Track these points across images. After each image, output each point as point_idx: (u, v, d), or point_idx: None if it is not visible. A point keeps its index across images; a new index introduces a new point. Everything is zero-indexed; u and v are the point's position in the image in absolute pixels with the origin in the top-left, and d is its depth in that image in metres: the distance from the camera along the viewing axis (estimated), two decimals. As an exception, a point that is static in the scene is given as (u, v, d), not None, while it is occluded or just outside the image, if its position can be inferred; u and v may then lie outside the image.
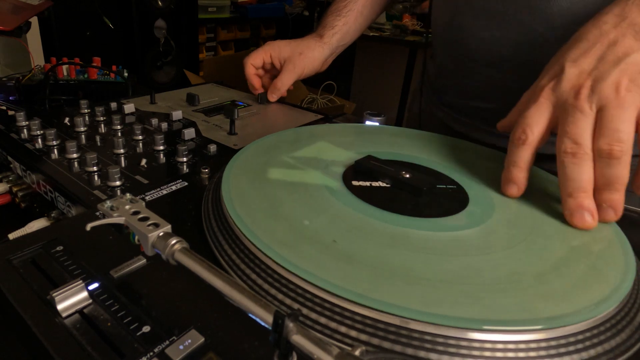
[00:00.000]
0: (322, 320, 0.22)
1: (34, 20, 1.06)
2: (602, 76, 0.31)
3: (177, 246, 0.22)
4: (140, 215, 0.24)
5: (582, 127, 0.31)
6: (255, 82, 0.67)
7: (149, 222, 0.24)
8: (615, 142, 0.30)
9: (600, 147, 0.30)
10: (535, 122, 0.33)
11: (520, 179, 0.34)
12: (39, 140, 0.46)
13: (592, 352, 0.22)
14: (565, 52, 0.34)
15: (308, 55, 0.66)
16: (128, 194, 0.26)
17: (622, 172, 0.30)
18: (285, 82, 0.65)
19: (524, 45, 0.49)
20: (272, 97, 0.65)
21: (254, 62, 0.66)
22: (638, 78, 0.30)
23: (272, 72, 0.69)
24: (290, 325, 0.17)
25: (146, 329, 0.22)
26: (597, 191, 0.31)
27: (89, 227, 0.24)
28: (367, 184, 0.36)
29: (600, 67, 0.32)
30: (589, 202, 0.30)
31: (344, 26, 0.69)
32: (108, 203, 0.25)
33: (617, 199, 0.31)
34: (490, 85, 0.54)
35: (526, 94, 0.37)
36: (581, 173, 0.30)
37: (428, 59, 0.69)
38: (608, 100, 0.30)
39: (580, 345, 0.22)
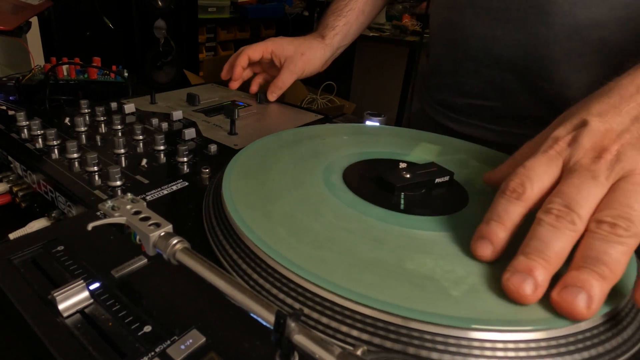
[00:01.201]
0: (324, 320, 0.22)
1: (34, 20, 1.06)
2: (635, 142, 0.25)
3: (178, 246, 0.22)
4: (142, 215, 0.24)
5: (585, 195, 0.24)
6: (238, 73, 0.65)
7: (150, 222, 0.24)
8: (623, 219, 0.23)
9: (601, 219, 0.23)
10: (538, 177, 0.26)
11: (499, 239, 0.26)
12: (40, 140, 0.46)
13: (593, 352, 0.22)
14: (589, 103, 0.28)
15: (310, 56, 0.66)
16: (129, 194, 0.26)
17: (619, 256, 0.22)
18: (285, 82, 0.64)
19: (525, 45, 0.48)
20: (272, 96, 0.65)
21: (252, 55, 0.65)
22: None
23: (269, 69, 0.69)
24: (292, 325, 0.17)
25: (147, 328, 0.22)
26: (574, 268, 0.23)
27: (90, 226, 0.24)
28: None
29: (634, 130, 0.25)
30: (542, 273, 0.23)
31: (344, 26, 0.68)
32: (109, 203, 0.25)
33: (598, 286, 0.22)
34: (488, 84, 0.54)
35: (530, 143, 0.31)
36: (554, 238, 0.23)
37: (424, 57, 0.69)
38: (633, 174, 0.24)
39: (580, 345, 0.22)
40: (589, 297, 0.22)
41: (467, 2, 0.52)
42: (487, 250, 0.26)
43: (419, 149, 0.44)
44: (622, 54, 0.39)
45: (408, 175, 0.35)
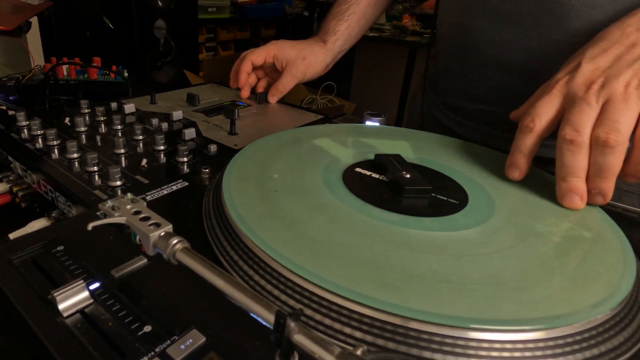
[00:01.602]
0: (318, 317, 0.22)
1: (34, 20, 1.06)
2: (614, 74, 0.33)
3: (178, 246, 0.22)
4: (142, 215, 0.24)
5: (585, 117, 0.32)
6: (243, 80, 0.65)
7: (150, 222, 0.24)
8: (612, 131, 0.31)
9: (597, 135, 0.32)
10: (544, 112, 0.35)
11: (522, 164, 0.36)
12: (40, 140, 0.46)
13: (595, 351, 0.22)
14: (585, 50, 0.36)
15: (311, 60, 0.65)
16: (129, 194, 0.26)
17: (615, 161, 0.32)
18: (286, 85, 0.64)
19: (536, 50, 0.48)
20: (273, 98, 0.65)
21: (255, 60, 0.65)
22: None
23: (271, 73, 0.68)
24: (291, 324, 0.17)
25: (147, 328, 0.22)
26: (589, 178, 0.33)
27: (90, 226, 0.24)
28: (367, 180, 0.36)
29: (615, 66, 0.33)
30: (579, 185, 0.33)
31: (346, 30, 0.68)
32: (109, 203, 0.25)
33: (607, 186, 0.33)
34: (497, 88, 0.53)
35: (541, 87, 0.38)
36: (576, 161, 0.33)
37: (430, 60, 0.68)
38: (615, 95, 0.32)
39: (577, 346, 0.22)
40: (604, 195, 0.33)
41: (477, 6, 0.51)
42: (515, 173, 0.37)
43: (419, 148, 0.44)
44: None
45: (408, 175, 0.35)
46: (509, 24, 0.49)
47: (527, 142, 0.36)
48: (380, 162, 0.38)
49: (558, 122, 0.35)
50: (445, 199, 0.34)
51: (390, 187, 0.35)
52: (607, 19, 0.43)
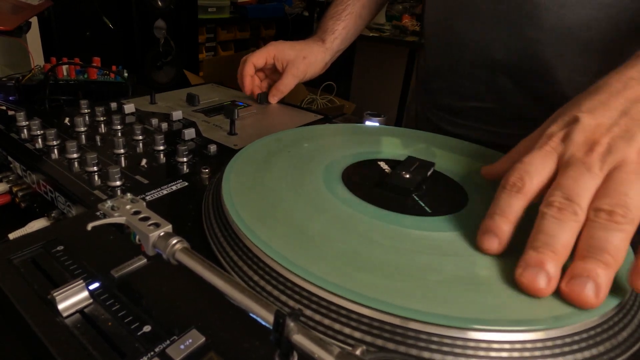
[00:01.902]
0: (317, 317, 0.22)
1: (34, 20, 1.06)
2: (624, 135, 0.26)
3: (178, 246, 0.22)
4: (141, 215, 0.24)
5: (583, 186, 0.25)
6: (248, 83, 0.66)
7: (150, 222, 0.24)
8: (620, 206, 0.24)
9: (599, 206, 0.25)
10: (537, 171, 0.28)
11: (504, 232, 0.27)
12: (39, 140, 0.46)
13: (594, 351, 0.22)
14: (580, 101, 0.30)
15: (311, 60, 0.66)
16: (129, 194, 0.26)
17: (619, 243, 0.24)
18: (287, 85, 0.65)
19: (518, 48, 0.49)
20: (274, 99, 0.65)
21: (257, 62, 0.65)
22: None
23: (271, 73, 0.69)
24: (291, 324, 0.17)
25: (147, 328, 0.22)
26: (578, 258, 0.24)
27: (90, 226, 0.24)
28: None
29: (622, 124, 0.27)
30: (552, 265, 0.24)
31: (343, 30, 0.69)
32: (109, 203, 0.25)
33: (603, 274, 0.23)
34: (484, 86, 0.55)
35: (525, 141, 0.32)
36: (560, 230, 0.25)
37: (421, 61, 0.69)
38: (625, 162, 0.25)
39: (576, 347, 0.22)
40: (597, 286, 0.23)
41: (459, 7, 0.53)
42: (493, 244, 0.27)
43: (418, 148, 0.44)
44: (610, 51, 0.39)
45: (408, 176, 0.35)
46: (490, 23, 0.50)
47: (513, 204, 0.27)
48: (403, 163, 0.37)
49: (547, 188, 0.27)
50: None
51: (391, 188, 0.35)
52: (576, 17, 0.45)
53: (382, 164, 0.39)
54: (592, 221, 0.24)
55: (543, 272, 0.23)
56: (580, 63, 0.47)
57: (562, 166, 0.27)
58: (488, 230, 0.27)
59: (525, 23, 0.47)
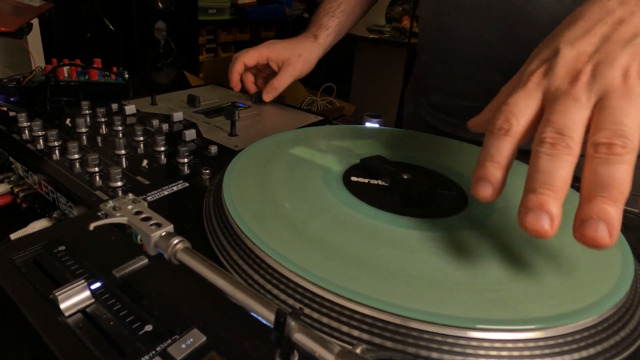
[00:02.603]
0: (315, 315, 0.23)
1: (35, 22, 1.06)
2: (606, 59, 0.25)
3: (179, 246, 0.23)
4: (143, 215, 0.24)
5: (572, 118, 0.24)
6: (236, 79, 0.66)
7: (152, 222, 0.24)
8: (617, 136, 0.23)
9: (597, 140, 0.23)
10: (522, 111, 0.27)
11: (496, 178, 0.26)
12: (41, 141, 0.46)
13: (591, 350, 0.22)
14: (560, 32, 0.28)
15: (306, 57, 0.67)
16: (130, 194, 0.27)
17: (624, 175, 0.22)
18: (283, 83, 0.65)
19: (509, 45, 0.49)
20: (268, 96, 0.65)
21: (248, 62, 0.66)
22: None
23: (265, 72, 0.69)
24: (292, 323, 0.17)
25: (148, 328, 0.22)
26: (586, 199, 0.23)
27: (92, 226, 0.24)
28: (366, 181, 0.36)
29: (605, 49, 0.26)
30: (553, 204, 0.23)
31: (337, 27, 0.70)
32: (111, 203, 0.26)
33: (614, 211, 0.22)
34: (477, 84, 0.54)
35: (508, 84, 0.31)
36: (556, 166, 0.24)
37: (416, 61, 0.70)
38: (612, 87, 0.24)
39: (578, 345, 0.22)
40: (609, 224, 0.22)
41: (452, 4, 0.53)
42: (487, 191, 0.26)
43: (416, 149, 0.45)
44: None
45: (406, 177, 0.35)
46: (482, 20, 0.50)
47: (502, 149, 0.26)
48: (368, 166, 0.38)
49: (536, 125, 0.27)
50: (447, 195, 0.35)
51: (392, 189, 0.35)
52: (572, 11, 0.44)
53: (383, 165, 0.39)
54: (592, 157, 0.23)
55: (545, 214, 0.23)
56: None
57: (549, 101, 0.26)
58: (480, 178, 0.26)
59: (519, 19, 0.47)
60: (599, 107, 0.24)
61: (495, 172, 0.26)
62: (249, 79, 0.68)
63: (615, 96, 0.24)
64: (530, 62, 0.29)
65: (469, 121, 0.35)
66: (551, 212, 0.23)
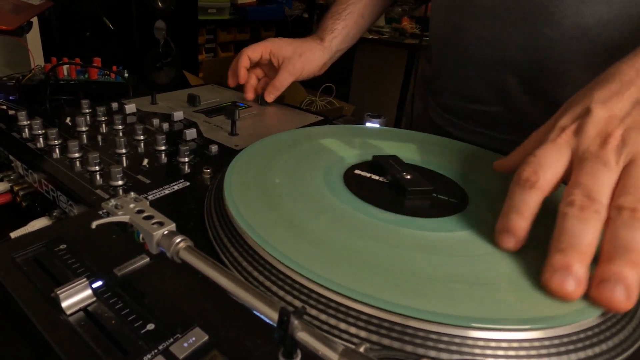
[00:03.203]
0: (315, 313, 0.23)
1: (34, 20, 1.06)
2: (637, 125, 0.26)
3: (182, 244, 0.23)
4: (145, 214, 0.24)
5: (602, 182, 0.25)
6: (242, 74, 0.65)
7: (154, 221, 0.24)
8: None
9: (621, 205, 0.24)
10: (550, 165, 0.27)
11: (520, 230, 0.26)
12: (41, 139, 0.46)
13: (589, 352, 0.22)
14: (591, 91, 0.29)
15: (308, 57, 0.65)
16: (132, 193, 0.27)
17: None
18: (284, 82, 0.64)
19: (528, 47, 0.47)
20: (270, 97, 0.64)
21: (252, 55, 0.65)
22: None
23: (268, 70, 0.68)
24: (295, 322, 0.17)
25: (150, 326, 0.22)
26: (605, 261, 0.23)
27: (94, 225, 0.24)
28: (368, 175, 0.36)
29: (635, 114, 0.26)
30: (580, 267, 0.23)
31: (343, 30, 0.68)
32: (112, 202, 0.25)
33: (632, 275, 0.22)
34: (490, 87, 0.53)
35: (537, 133, 0.32)
36: (584, 230, 0.24)
37: (425, 62, 0.69)
38: None
39: (579, 345, 0.22)
40: (627, 287, 0.22)
41: (467, 3, 0.51)
42: (510, 242, 0.27)
43: (418, 150, 0.45)
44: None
45: (409, 176, 0.35)
46: (498, 20, 0.48)
47: (528, 201, 0.26)
48: (378, 163, 0.38)
49: (562, 181, 0.27)
50: (446, 198, 0.35)
51: (392, 188, 0.35)
52: (596, 15, 0.42)
53: (383, 166, 0.39)
54: (615, 220, 0.24)
55: (571, 275, 0.23)
56: (597, 65, 0.44)
57: (577, 161, 0.26)
58: (504, 229, 0.27)
59: (539, 20, 0.45)
60: (626, 172, 0.25)
61: (519, 223, 0.27)
62: (252, 81, 0.67)
63: None
64: (561, 116, 0.29)
65: (495, 162, 0.35)
66: (577, 274, 0.23)
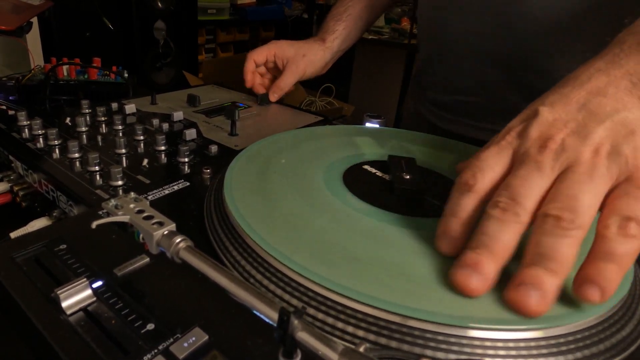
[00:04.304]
0: (312, 312, 0.23)
1: (34, 21, 1.06)
2: (580, 131, 0.25)
3: (182, 244, 0.23)
4: (145, 214, 0.24)
5: (531, 187, 0.24)
6: (250, 78, 0.68)
7: (154, 221, 0.24)
8: (567, 211, 0.23)
9: (547, 212, 0.23)
10: (489, 167, 0.26)
11: (456, 233, 0.26)
12: (41, 139, 0.46)
13: (586, 352, 0.22)
14: (547, 94, 0.28)
15: (311, 58, 0.68)
16: (132, 193, 0.27)
17: (567, 249, 0.22)
18: (287, 83, 0.66)
19: (506, 39, 0.49)
20: (274, 96, 0.66)
21: (257, 59, 0.68)
22: (622, 145, 0.24)
23: (273, 71, 0.70)
24: (295, 322, 0.17)
25: (150, 326, 0.22)
26: (526, 265, 0.23)
27: (94, 225, 0.24)
28: (372, 170, 0.36)
29: (580, 119, 0.25)
30: (489, 266, 0.23)
31: (344, 30, 0.70)
32: (113, 202, 0.26)
33: (548, 281, 0.22)
34: (473, 79, 0.55)
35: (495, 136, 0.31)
36: (500, 232, 0.24)
37: (416, 58, 0.71)
38: (578, 162, 0.24)
39: (573, 346, 0.22)
40: (542, 293, 0.22)
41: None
42: (445, 245, 0.26)
43: (416, 149, 0.45)
44: (602, 42, 0.38)
45: (408, 177, 0.36)
46: (477, 14, 0.50)
47: (464, 205, 0.26)
48: (390, 163, 0.38)
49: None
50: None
51: (390, 188, 0.36)
52: (566, 6, 0.44)
53: (383, 166, 0.39)
54: (539, 227, 0.23)
55: (476, 273, 0.23)
56: (571, 53, 0.46)
57: (515, 163, 0.26)
58: (441, 232, 0.27)
59: (513, 13, 0.47)
60: (560, 179, 0.24)
61: (455, 227, 0.26)
62: (257, 80, 0.69)
63: (579, 171, 0.24)
64: (514, 119, 0.28)
65: (457, 166, 0.34)
66: (484, 272, 0.23)
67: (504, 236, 0.23)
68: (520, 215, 0.24)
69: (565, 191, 0.23)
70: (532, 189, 0.24)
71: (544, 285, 0.22)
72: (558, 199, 0.23)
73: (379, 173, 0.38)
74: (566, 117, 0.25)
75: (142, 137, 0.48)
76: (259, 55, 0.67)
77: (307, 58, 0.67)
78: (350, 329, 0.22)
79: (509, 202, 0.24)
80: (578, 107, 0.26)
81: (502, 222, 0.24)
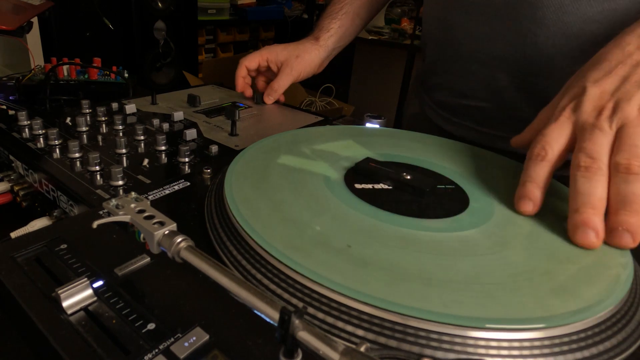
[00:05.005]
0: (315, 313, 0.23)
1: (34, 21, 1.06)
2: (625, 96, 0.31)
3: (182, 244, 0.23)
4: (146, 214, 0.24)
5: (599, 144, 0.30)
6: (240, 83, 0.68)
7: (155, 221, 0.24)
8: (634, 157, 0.29)
9: (617, 162, 0.29)
10: (555, 140, 0.33)
11: (536, 196, 0.32)
12: (41, 139, 0.46)
13: (585, 353, 0.22)
14: (586, 73, 0.34)
15: (305, 58, 0.67)
16: (133, 193, 0.27)
17: None
18: (282, 85, 0.66)
19: (515, 43, 0.48)
20: (269, 99, 0.66)
21: (249, 65, 0.68)
22: None
23: (268, 75, 0.70)
24: (296, 321, 0.17)
25: (151, 326, 0.22)
26: (612, 213, 0.29)
27: (95, 224, 0.24)
28: (369, 186, 0.36)
29: (623, 88, 0.31)
30: (595, 219, 0.28)
31: (339, 29, 0.70)
32: (113, 201, 0.26)
33: (635, 221, 0.28)
34: (481, 83, 0.54)
35: (543, 112, 0.37)
36: (592, 187, 0.29)
37: (420, 60, 0.70)
38: (629, 119, 0.30)
39: (574, 346, 0.22)
40: (632, 233, 0.28)
41: (455, 0, 0.52)
42: (528, 206, 0.32)
43: (417, 150, 0.45)
44: None
45: (409, 177, 0.36)
46: (486, 17, 0.50)
47: (540, 172, 0.32)
48: (364, 169, 0.38)
49: (570, 152, 0.33)
50: (445, 187, 0.35)
51: (396, 189, 0.36)
52: (578, 11, 0.44)
53: (383, 165, 0.39)
54: (614, 177, 0.29)
55: (590, 230, 0.28)
56: (581, 60, 0.47)
57: (579, 132, 0.32)
58: (522, 196, 0.32)
59: (525, 16, 0.47)
60: (619, 134, 0.30)
61: (535, 191, 0.32)
62: (247, 81, 0.69)
63: (632, 125, 0.30)
64: (561, 98, 0.35)
65: (512, 139, 0.40)
66: (595, 226, 0.28)
67: (596, 191, 0.29)
68: (602, 169, 0.29)
69: (627, 141, 0.29)
70: (602, 145, 0.30)
71: (632, 226, 0.28)
72: (623, 148, 0.29)
73: (380, 172, 0.38)
74: (611, 89, 0.32)
75: (142, 137, 0.48)
76: (251, 62, 0.67)
77: (301, 59, 0.67)
78: (349, 328, 0.22)
79: (588, 160, 0.30)
80: (619, 79, 0.32)
81: (589, 179, 0.29)
